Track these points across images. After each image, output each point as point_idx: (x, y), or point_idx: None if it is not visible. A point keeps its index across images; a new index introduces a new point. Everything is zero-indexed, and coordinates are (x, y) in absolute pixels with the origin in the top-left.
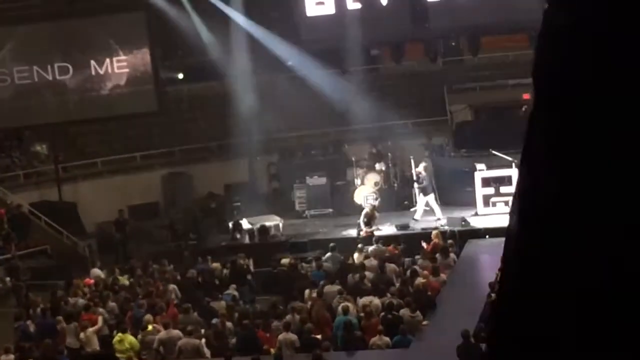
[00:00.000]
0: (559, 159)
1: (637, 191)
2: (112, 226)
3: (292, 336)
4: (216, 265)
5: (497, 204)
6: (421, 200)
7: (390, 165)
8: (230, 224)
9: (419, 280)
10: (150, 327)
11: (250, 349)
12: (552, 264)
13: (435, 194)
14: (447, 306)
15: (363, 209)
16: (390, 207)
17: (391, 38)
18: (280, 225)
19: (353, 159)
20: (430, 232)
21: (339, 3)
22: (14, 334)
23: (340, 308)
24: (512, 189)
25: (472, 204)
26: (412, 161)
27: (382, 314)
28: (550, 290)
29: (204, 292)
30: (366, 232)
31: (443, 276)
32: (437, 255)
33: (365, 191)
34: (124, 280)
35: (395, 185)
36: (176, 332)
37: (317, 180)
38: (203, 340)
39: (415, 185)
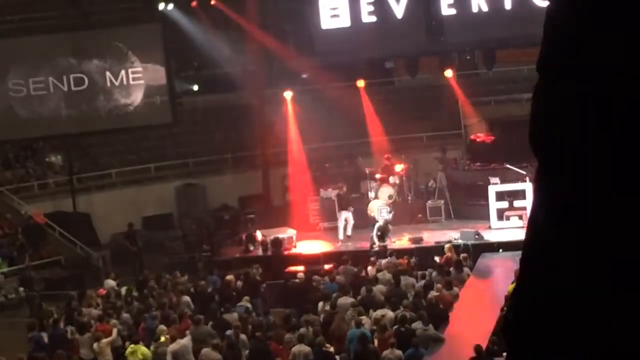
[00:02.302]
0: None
1: None
2: (125, 239)
3: (305, 348)
4: (230, 277)
5: (511, 217)
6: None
7: (404, 178)
8: (244, 236)
9: (432, 293)
10: (163, 339)
11: None
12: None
13: (450, 208)
14: (460, 320)
15: (376, 222)
16: (404, 220)
17: (406, 51)
18: (294, 237)
19: (367, 171)
20: (443, 246)
21: (354, 16)
22: (27, 344)
23: (353, 321)
24: (526, 202)
25: (485, 217)
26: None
27: (395, 327)
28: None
29: (217, 304)
30: (379, 246)
31: (456, 290)
32: (451, 269)
33: (379, 204)
34: (132, 290)
35: (409, 198)
36: (186, 340)
37: (331, 193)
38: None
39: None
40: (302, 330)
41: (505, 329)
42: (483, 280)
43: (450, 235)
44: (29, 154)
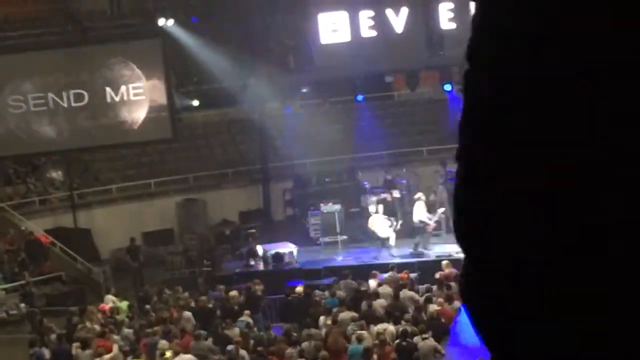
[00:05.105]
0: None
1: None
2: (126, 254)
3: None
4: (233, 293)
5: None
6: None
7: (404, 192)
8: (245, 251)
9: (433, 307)
10: (168, 354)
11: None
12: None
13: (451, 221)
14: (461, 334)
15: (380, 237)
16: (404, 234)
17: (406, 65)
18: (295, 252)
19: (367, 186)
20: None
21: (354, 30)
22: None
23: (354, 336)
24: None
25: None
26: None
27: (397, 341)
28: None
29: (218, 319)
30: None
31: (457, 303)
32: (452, 282)
33: (380, 218)
34: (123, 307)
35: (410, 212)
36: (188, 357)
37: (332, 207)
38: None
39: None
40: (304, 344)
41: None
42: None
43: (451, 249)
44: (30, 170)
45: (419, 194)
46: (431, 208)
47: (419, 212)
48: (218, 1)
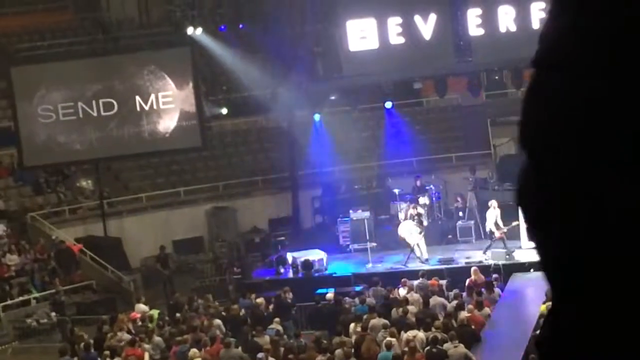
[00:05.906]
0: None
1: None
2: (156, 262)
3: None
4: (260, 300)
5: None
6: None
7: (434, 199)
8: (274, 258)
9: (463, 314)
10: None
11: None
12: None
13: (480, 228)
14: (492, 340)
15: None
16: (434, 241)
17: (434, 72)
18: (324, 259)
19: (396, 192)
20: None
21: (383, 37)
22: None
23: (384, 343)
24: None
25: (516, 237)
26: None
27: (427, 348)
28: None
29: (248, 327)
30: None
31: (487, 310)
32: (482, 289)
33: (410, 225)
34: (154, 315)
35: (439, 219)
36: None
37: (361, 215)
38: None
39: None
40: (337, 352)
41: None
42: (514, 301)
43: (481, 255)
44: (60, 180)
45: (492, 201)
46: (461, 215)
47: (492, 219)
48: (246, 10)
